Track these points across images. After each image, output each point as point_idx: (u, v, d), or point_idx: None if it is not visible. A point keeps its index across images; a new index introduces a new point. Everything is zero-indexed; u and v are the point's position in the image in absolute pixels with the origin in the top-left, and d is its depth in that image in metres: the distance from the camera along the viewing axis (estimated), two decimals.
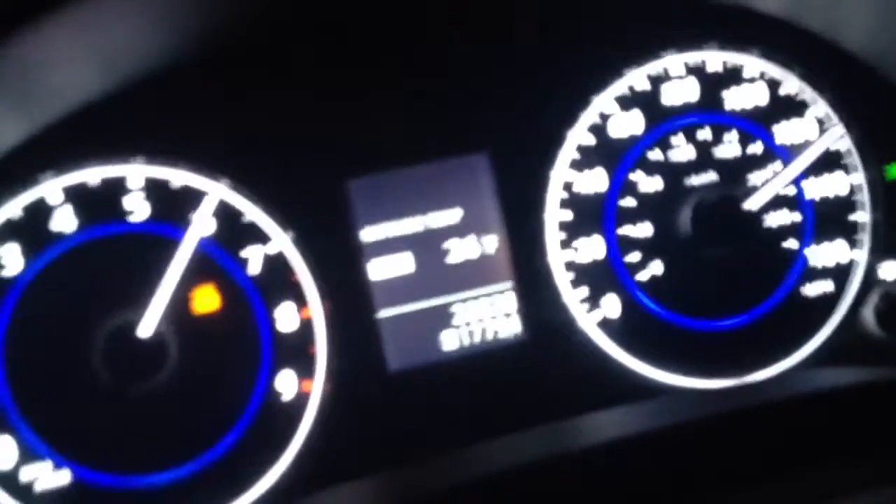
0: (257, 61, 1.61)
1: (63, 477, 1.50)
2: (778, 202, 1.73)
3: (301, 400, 1.59)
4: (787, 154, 1.74)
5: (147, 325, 1.51)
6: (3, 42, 1.20)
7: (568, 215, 1.70)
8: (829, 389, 1.64)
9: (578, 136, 1.70)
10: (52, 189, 1.53)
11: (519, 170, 1.68)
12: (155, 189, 1.56)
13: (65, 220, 1.53)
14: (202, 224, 1.57)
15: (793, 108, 1.75)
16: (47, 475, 1.49)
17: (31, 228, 1.52)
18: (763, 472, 1.48)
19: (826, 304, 1.75)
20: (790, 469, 1.47)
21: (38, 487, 1.49)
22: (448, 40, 1.67)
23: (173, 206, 1.57)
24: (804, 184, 1.75)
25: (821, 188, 1.76)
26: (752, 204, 1.70)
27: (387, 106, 1.65)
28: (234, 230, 1.59)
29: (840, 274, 1.76)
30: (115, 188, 1.55)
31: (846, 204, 1.76)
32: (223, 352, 1.57)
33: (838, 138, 1.74)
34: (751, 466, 1.49)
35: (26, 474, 1.49)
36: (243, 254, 1.59)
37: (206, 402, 1.56)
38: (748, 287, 1.74)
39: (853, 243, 1.76)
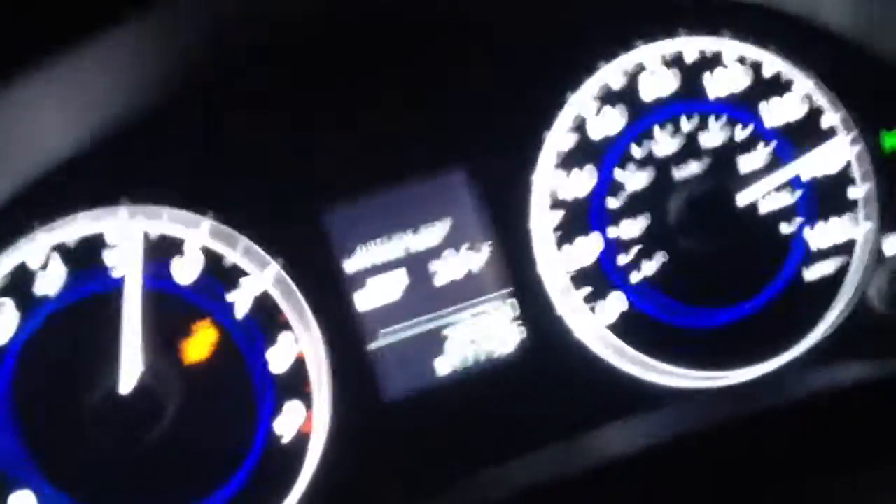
0: (232, 93, 1.59)
1: None
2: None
3: (302, 440, 1.57)
4: (777, 136, 1.68)
5: (126, 382, 1.49)
6: None
7: (556, 220, 1.66)
8: (850, 384, 1.60)
9: (558, 137, 1.66)
10: (33, 250, 1.51)
11: (500, 180, 1.64)
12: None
13: (49, 282, 1.52)
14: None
15: (777, 88, 1.69)
16: None
17: (17, 292, 1.51)
18: (779, 475, 1.45)
19: (830, 287, 1.71)
20: (809, 470, 1.45)
21: None
22: (417, 58, 1.63)
23: (154, 257, 1.54)
24: (797, 164, 1.69)
25: (814, 167, 1.70)
26: (745, 198, 1.66)
27: (363, 127, 1.62)
28: (218, 274, 1.56)
29: (842, 254, 1.71)
30: (96, 244, 1.53)
31: (842, 180, 1.71)
32: (219, 399, 1.56)
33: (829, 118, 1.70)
34: (769, 469, 1.47)
35: None
36: (229, 298, 1.56)
37: (208, 449, 1.54)
38: (748, 276, 1.70)
39: (853, 221, 1.71)
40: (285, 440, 1.56)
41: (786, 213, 1.70)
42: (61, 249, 1.52)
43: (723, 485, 1.45)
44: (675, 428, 1.57)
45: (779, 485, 1.44)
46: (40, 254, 1.52)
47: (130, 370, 1.49)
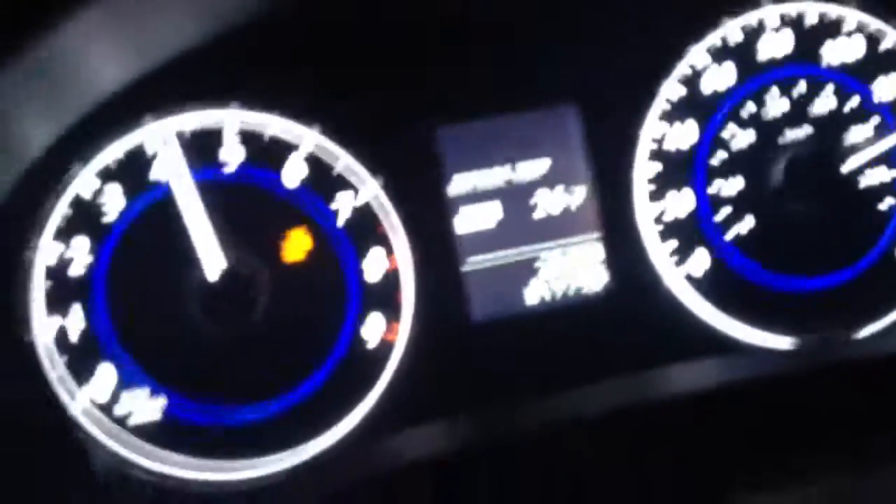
0: (348, 7, 1.62)
1: (157, 406, 1.55)
2: (876, 159, 1.69)
3: (385, 347, 1.61)
4: (885, 111, 1.69)
5: (211, 272, 1.54)
6: None
7: (657, 169, 1.68)
8: None
9: (672, 88, 1.67)
10: (151, 135, 1.56)
11: (608, 122, 1.66)
12: (250, 138, 1.59)
13: (161, 168, 1.57)
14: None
15: (893, 63, 1.70)
16: (143, 403, 1.55)
17: (132, 174, 1.56)
18: (842, 432, 1.47)
19: None
20: (873, 431, 1.46)
21: (132, 422, 1.55)
22: None
23: (266, 156, 1.59)
24: None
25: None
26: (850, 165, 1.66)
27: (477, 55, 1.64)
28: (324, 180, 1.61)
29: None
30: (212, 136, 1.58)
31: None
32: (311, 298, 1.60)
33: None
34: (832, 426, 1.48)
35: (123, 404, 1.54)
36: (333, 204, 1.61)
37: (294, 345, 1.59)
38: (841, 246, 1.71)
39: None
40: (370, 346, 1.61)
41: (887, 188, 1.70)
42: (178, 138, 1.57)
43: (773, 434, 1.48)
44: (741, 374, 1.62)
45: (832, 438, 1.46)
46: (156, 140, 1.57)
47: (212, 261, 1.54)
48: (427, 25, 1.64)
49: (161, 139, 1.56)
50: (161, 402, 1.55)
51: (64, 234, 1.53)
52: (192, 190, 1.54)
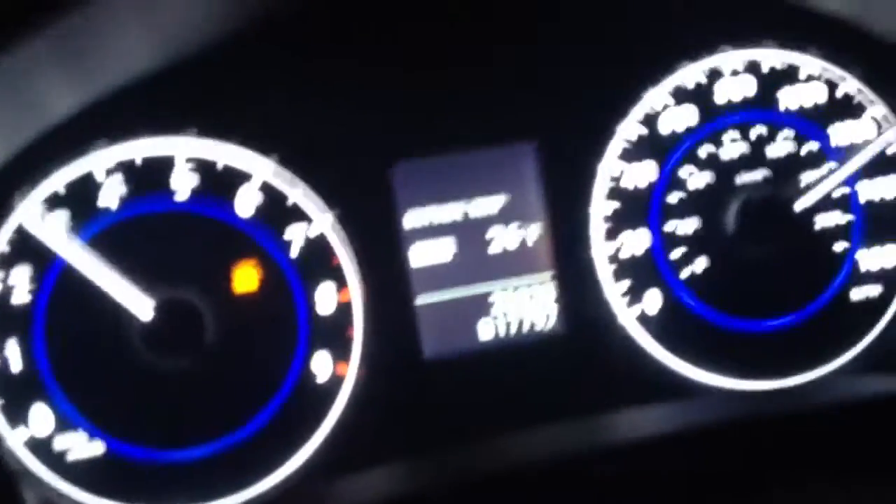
0: (309, 37, 1.60)
1: (96, 448, 1.52)
2: (830, 203, 1.70)
3: (335, 382, 1.59)
4: (841, 156, 1.70)
5: (140, 312, 1.51)
6: (58, 13, 1.20)
7: (613, 208, 1.67)
8: (870, 397, 1.63)
9: (629, 128, 1.67)
10: (100, 163, 1.53)
11: (565, 160, 1.66)
12: (201, 168, 1.56)
13: (112, 194, 1.53)
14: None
15: (850, 109, 1.71)
16: (81, 445, 1.51)
17: (77, 202, 1.52)
18: (797, 477, 1.47)
19: (873, 309, 1.72)
20: (824, 475, 1.47)
21: (71, 457, 1.51)
22: (500, 28, 1.64)
23: (218, 186, 1.56)
24: (858, 186, 1.71)
25: (875, 190, 1.72)
26: (802, 204, 1.67)
27: (435, 91, 1.63)
28: (277, 211, 1.58)
29: (889, 279, 1.72)
30: (163, 165, 1.55)
31: None
32: (260, 331, 1.58)
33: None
34: (784, 470, 1.48)
35: (60, 443, 1.50)
36: (286, 235, 1.58)
37: (241, 379, 1.57)
38: (794, 289, 1.72)
39: None
40: (319, 380, 1.58)
41: (840, 232, 1.71)
42: (128, 165, 1.53)
43: (727, 481, 1.47)
44: (697, 419, 1.61)
45: (784, 487, 1.47)
46: (107, 166, 1.53)
47: (137, 305, 1.50)
48: (385, 60, 1.62)
49: (108, 167, 1.52)
50: (100, 444, 1.52)
51: (6, 262, 1.49)
52: (81, 254, 1.49)
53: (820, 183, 1.68)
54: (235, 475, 1.54)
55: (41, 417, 1.50)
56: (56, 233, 1.50)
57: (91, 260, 1.49)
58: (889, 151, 1.71)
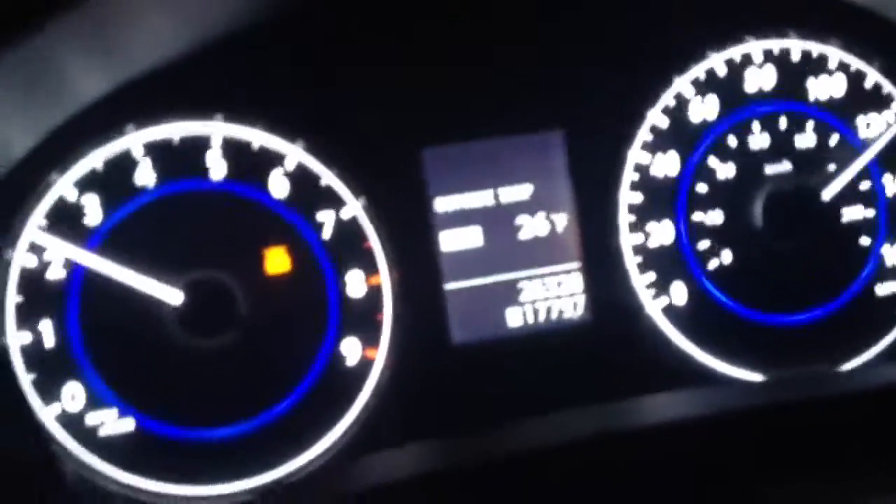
0: (343, 23, 1.62)
1: (127, 425, 1.52)
2: (855, 197, 1.71)
3: (364, 366, 1.60)
4: (867, 148, 1.71)
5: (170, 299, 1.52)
6: None
7: (639, 198, 1.69)
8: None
9: (656, 118, 1.69)
10: (136, 142, 1.55)
11: (594, 149, 1.67)
12: (235, 149, 1.57)
13: (147, 174, 1.55)
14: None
15: (876, 101, 1.73)
16: (112, 422, 1.52)
17: (113, 180, 1.54)
18: (819, 464, 1.47)
19: None
20: (846, 464, 1.46)
21: (102, 433, 1.52)
22: (532, 15, 1.66)
23: (252, 167, 1.58)
24: (884, 180, 1.72)
25: None
26: (828, 193, 1.68)
27: (467, 77, 1.65)
28: (309, 193, 1.60)
29: None
30: (197, 146, 1.57)
31: None
32: (291, 313, 1.59)
33: None
34: (806, 458, 1.48)
35: (91, 419, 1.51)
36: (319, 217, 1.60)
37: (272, 361, 1.58)
38: (819, 283, 1.72)
39: None
40: (349, 363, 1.59)
41: (865, 226, 1.72)
42: (163, 146, 1.55)
43: (747, 467, 1.47)
44: (717, 406, 1.59)
45: (808, 473, 1.46)
46: (141, 146, 1.55)
47: (165, 294, 1.51)
48: (414, 48, 1.64)
49: (144, 146, 1.54)
50: (130, 421, 1.53)
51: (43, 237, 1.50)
52: (96, 259, 1.51)
53: (843, 170, 1.69)
54: (264, 455, 1.55)
55: (73, 394, 1.51)
56: (89, 216, 1.52)
57: (109, 264, 1.50)
58: None
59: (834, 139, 1.72)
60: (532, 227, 1.67)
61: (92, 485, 1.49)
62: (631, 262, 1.68)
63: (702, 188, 1.69)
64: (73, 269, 1.51)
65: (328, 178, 1.60)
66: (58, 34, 1.24)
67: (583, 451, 1.52)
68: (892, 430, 1.48)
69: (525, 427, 1.57)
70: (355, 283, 1.61)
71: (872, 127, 1.72)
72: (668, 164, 1.69)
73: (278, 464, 1.56)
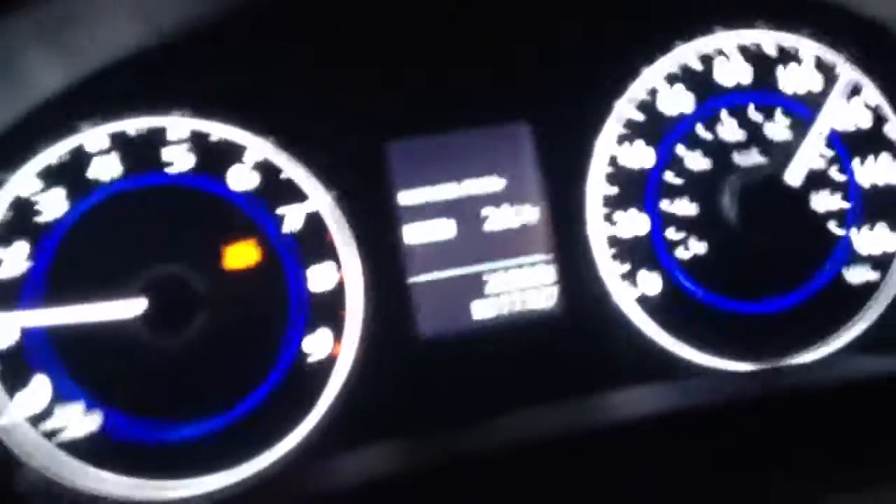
0: (305, 17, 1.60)
1: (93, 421, 1.50)
2: (825, 184, 1.70)
3: (330, 361, 1.58)
4: (838, 140, 1.70)
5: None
6: None
7: (611, 189, 1.67)
8: (866, 377, 1.62)
9: (625, 109, 1.67)
10: (93, 137, 1.52)
11: (562, 140, 1.65)
12: (196, 141, 1.55)
13: (105, 168, 1.53)
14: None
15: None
16: (77, 418, 1.50)
17: (71, 175, 1.52)
18: (791, 457, 1.46)
19: (868, 292, 1.72)
20: (819, 456, 1.46)
21: (68, 429, 1.49)
22: (495, 6, 1.64)
23: (212, 161, 1.55)
24: (854, 168, 1.70)
25: (872, 174, 1.71)
26: (791, 175, 1.66)
27: (430, 70, 1.63)
28: (272, 186, 1.57)
29: (885, 263, 1.72)
30: (157, 138, 1.54)
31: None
32: (255, 308, 1.56)
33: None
34: (779, 450, 1.47)
35: (57, 415, 1.49)
36: (280, 211, 1.57)
37: (236, 357, 1.56)
38: (790, 270, 1.71)
39: None
40: (314, 359, 1.57)
41: (836, 214, 1.71)
42: (123, 138, 1.53)
43: (722, 458, 1.46)
44: (689, 399, 1.59)
45: (780, 467, 1.45)
46: (100, 139, 1.53)
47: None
48: (380, 39, 1.62)
49: (100, 139, 1.52)
50: (96, 417, 1.50)
51: (2, 235, 1.48)
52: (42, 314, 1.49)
53: (798, 148, 1.67)
54: (231, 452, 1.53)
55: (39, 389, 1.48)
56: (46, 212, 1.50)
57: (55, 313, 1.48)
58: (887, 135, 1.71)
59: (804, 129, 1.69)
60: (500, 219, 1.64)
61: (49, 493, 1.47)
62: (601, 252, 1.66)
63: (674, 179, 1.68)
64: (35, 265, 1.49)
65: (290, 171, 1.58)
66: (14, 30, 1.22)
67: (554, 449, 1.52)
68: (858, 424, 1.48)
69: (496, 423, 1.57)
70: (319, 278, 1.58)
71: (844, 119, 1.70)
72: (639, 155, 1.67)
73: (246, 461, 1.54)
